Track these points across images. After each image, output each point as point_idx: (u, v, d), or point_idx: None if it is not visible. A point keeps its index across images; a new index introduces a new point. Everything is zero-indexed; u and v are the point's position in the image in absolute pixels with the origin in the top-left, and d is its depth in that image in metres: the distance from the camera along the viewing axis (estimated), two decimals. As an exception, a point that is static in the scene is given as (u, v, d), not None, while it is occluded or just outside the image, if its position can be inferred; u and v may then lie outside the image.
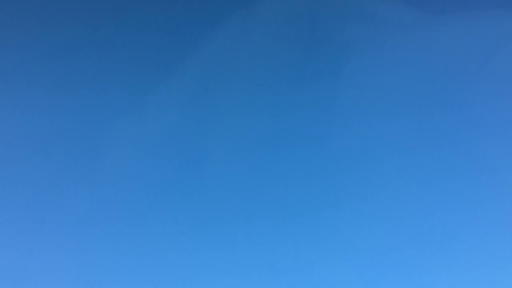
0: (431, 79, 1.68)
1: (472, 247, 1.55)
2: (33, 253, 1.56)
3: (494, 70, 1.67)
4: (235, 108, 1.69)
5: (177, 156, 1.65)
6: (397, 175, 1.62)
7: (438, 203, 1.60)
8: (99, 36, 1.70)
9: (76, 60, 1.69)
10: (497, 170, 1.60)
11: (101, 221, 1.58)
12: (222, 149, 1.66)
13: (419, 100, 1.67)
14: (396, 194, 1.61)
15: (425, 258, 1.56)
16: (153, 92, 1.69)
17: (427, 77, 1.68)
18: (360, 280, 1.55)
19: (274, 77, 1.71)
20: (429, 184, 1.61)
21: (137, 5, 1.73)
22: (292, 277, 1.57)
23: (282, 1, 1.74)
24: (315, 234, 1.59)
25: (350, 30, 1.71)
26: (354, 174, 1.63)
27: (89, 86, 1.68)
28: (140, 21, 1.72)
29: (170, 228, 1.59)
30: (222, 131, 1.67)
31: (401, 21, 1.71)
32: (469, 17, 1.70)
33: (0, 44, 1.67)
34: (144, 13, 1.72)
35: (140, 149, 1.65)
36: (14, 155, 1.61)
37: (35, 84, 1.67)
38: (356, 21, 1.72)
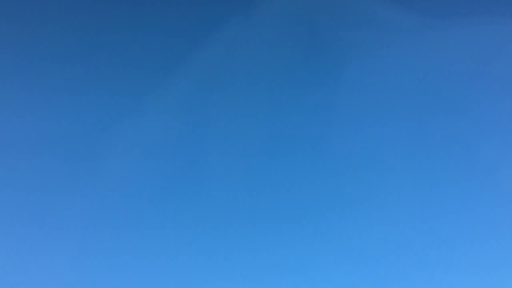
0: (431, 82, 1.68)
1: (474, 250, 1.56)
2: (33, 255, 1.55)
3: (494, 73, 1.67)
4: (235, 110, 1.69)
5: (178, 158, 1.64)
6: (398, 178, 1.62)
7: (440, 207, 1.60)
8: (98, 38, 1.70)
9: (75, 62, 1.68)
10: (498, 172, 1.61)
11: (101, 223, 1.58)
12: (222, 152, 1.66)
13: (420, 104, 1.67)
14: (398, 197, 1.61)
15: (428, 261, 1.56)
16: (153, 95, 1.68)
17: (427, 81, 1.68)
18: (362, 282, 1.55)
19: (274, 80, 1.71)
20: (431, 188, 1.61)
21: (137, 7, 1.73)
22: (293, 279, 1.56)
23: (282, 4, 1.74)
24: (316, 237, 1.59)
25: (351, 33, 1.72)
26: (354, 177, 1.63)
27: (88, 88, 1.67)
28: (139, 22, 1.72)
29: (171, 230, 1.59)
30: (222, 133, 1.67)
31: (401, 25, 1.72)
32: (469, 21, 1.71)
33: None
34: (143, 14, 1.72)
35: (140, 151, 1.64)
36: (15, 157, 1.61)
37: (35, 86, 1.66)
38: (357, 24, 1.72)
